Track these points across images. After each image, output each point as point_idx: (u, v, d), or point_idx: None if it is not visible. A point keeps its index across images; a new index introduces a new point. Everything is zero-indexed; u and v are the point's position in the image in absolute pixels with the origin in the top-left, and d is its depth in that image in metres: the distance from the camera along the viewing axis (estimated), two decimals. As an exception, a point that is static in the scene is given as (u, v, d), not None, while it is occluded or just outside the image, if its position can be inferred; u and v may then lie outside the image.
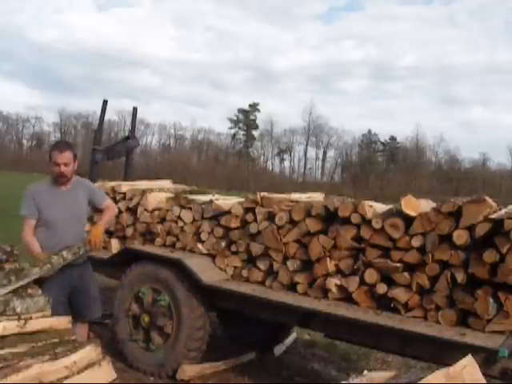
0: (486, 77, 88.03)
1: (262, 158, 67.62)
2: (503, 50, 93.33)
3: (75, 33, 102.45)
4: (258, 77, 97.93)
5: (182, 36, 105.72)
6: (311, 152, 66.09)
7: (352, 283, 3.64)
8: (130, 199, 5.06)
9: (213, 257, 4.40)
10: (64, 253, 3.53)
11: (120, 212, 5.11)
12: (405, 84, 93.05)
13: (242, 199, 4.45)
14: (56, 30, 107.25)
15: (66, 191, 3.81)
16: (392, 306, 3.46)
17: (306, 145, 64.28)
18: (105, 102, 6.51)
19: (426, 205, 3.64)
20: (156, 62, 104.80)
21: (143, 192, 5.03)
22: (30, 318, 2.76)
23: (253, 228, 4.17)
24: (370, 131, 63.68)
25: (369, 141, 64.22)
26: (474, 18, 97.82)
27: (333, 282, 3.71)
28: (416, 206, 3.55)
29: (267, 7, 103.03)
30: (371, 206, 3.70)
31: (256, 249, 4.13)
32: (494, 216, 3.21)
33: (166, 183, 5.88)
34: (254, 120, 65.97)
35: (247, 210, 4.26)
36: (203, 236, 4.46)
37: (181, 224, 4.61)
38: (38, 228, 3.74)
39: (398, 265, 3.46)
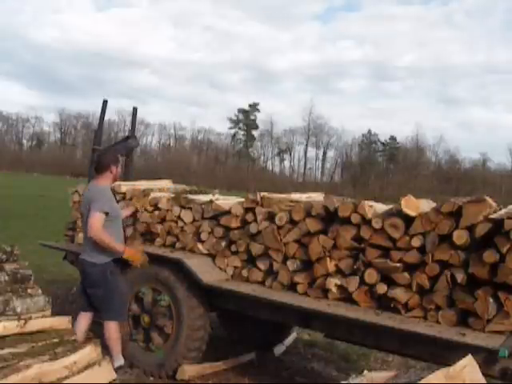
0: (485, 77, 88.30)
1: (262, 158, 67.68)
2: (501, 49, 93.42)
3: (74, 33, 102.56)
4: (257, 77, 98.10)
5: (180, 36, 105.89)
6: (311, 152, 66.18)
7: (352, 283, 3.64)
8: (130, 199, 5.05)
9: (213, 257, 4.40)
10: None
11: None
12: (404, 84, 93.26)
13: (242, 199, 4.45)
14: (55, 31, 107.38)
15: None
16: (392, 306, 3.46)
17: (306, 145, 64.36)
18: (105, 102, 6.51)
19: (426, 205, 3.64)
20: (155, 62, 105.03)
21: (143, 192, 5.03)
22: (30, 318, 2.76)
23: (253, 228, 4.17)
24: (369, 131, 63.78)
25: (369, 141, 64.25)
26: (471, 18, 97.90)
27: (333, 282, 3.71)
28: (416, 206, 3.54)
29: (265, 7, 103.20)
30: (371, 206, 3.70)
31: (256, 249, 4.13)
32: (493, 216, 3.21)
33: (166, 183, 5.87)
34: (254, 120, 66.01)
35: (247, 209, 4.26)
36: (203, 236, 4.46)
37: (181, 224, 4.61)
38: (108, 224, 3.98)
39: (398, 265, 3.45)
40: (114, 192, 5.16)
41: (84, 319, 4.14)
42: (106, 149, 6.62)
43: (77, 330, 3.95)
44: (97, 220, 3.89)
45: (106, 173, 4.11)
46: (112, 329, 4.05)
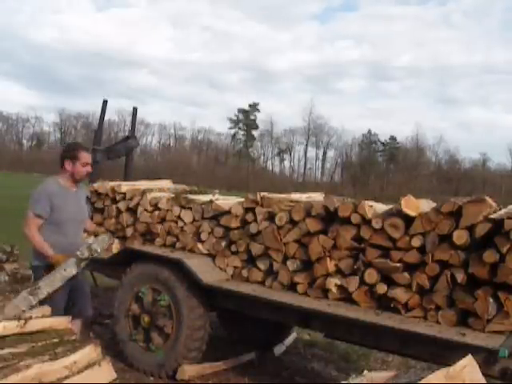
0: (483, 77, 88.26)
1: (262, 157, 67.67)
2: (499, 49, 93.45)
3: (74, 33, 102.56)
4: (256, 77, 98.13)
5: (179, 36, 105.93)
6: (311, 152, 66.18)
7: (352, 283, 3.64)
8: (130, 199, 5.06)
9: (213, 257, 4.40)
10: (94, 245, 3.45)
11: (120, 212, 5.12)
12: (402, 84, 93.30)
13: (242, 199, 4.45)
14: (55, 31, 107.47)
15: (74, 192, 3.86)
16: (392, 306, 3.46)
17: (306, 145, 64.33)
18: (105, 102, 6.52)
19: (426, 205, 3.64)
20: (154, 62, 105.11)
21: (143, 192, 5.03)
22: (30, 318, 2.76)
23: (253, 228, 4.17)
24: (369, 131, 63.76)
25: (369, 141, 64.23)
26: (469, 18, 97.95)
27: (333, 282, 3.71)
28: (416, 206, 3.55)
29: (263, 7, 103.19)
30: (371, 206, 3.70)
31: (256, 249, 4.13)
32: (493, 216, 3.21)
33: (166, 183, 5.88)
34: (254, 120, 65.99)
35: (247, 209, 4.26)
36: (203, 236, 4.46)
37: (181, 224, 4.61)
38: (46, 227, 3.70)
39: (398, 265, 3.45)
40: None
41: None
42: (107, 149, 6.64)
43: None
44: (27, 219, 3.66)
45: (62, 169, 3.80)
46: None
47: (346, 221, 3.71)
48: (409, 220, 3.47)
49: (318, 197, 4.95)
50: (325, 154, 65.13)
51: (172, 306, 4.22)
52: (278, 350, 5.17)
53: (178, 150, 65.24)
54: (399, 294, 3.43)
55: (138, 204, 4.97)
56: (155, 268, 4.34)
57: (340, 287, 3.70)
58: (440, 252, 3.32)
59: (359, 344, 4.11)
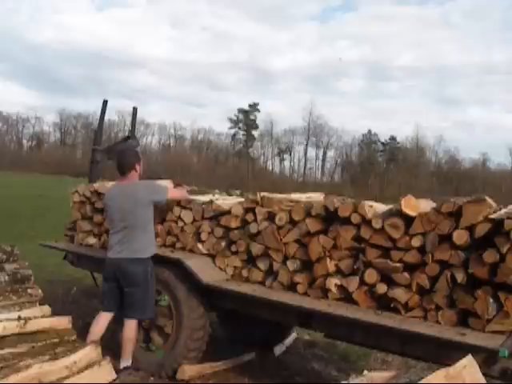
0: (483, 77, 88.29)
1: (262, 157, 67.69)
2: (499, 49, 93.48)
3: (74, 33, 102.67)
4: (255, 77, 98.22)
5: (178, 36, 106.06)
6: (311, 152, 66.23)
7: (352, 283, 3.64)
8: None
9: (213, 257, 4.40)
10: None
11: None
12: (402, 84, 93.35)
13: (242, 199, 4.45)
14: (54, 31, 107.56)
15: None
16: (392, 306, 3.46)
17: (306, 145, 64.38)
18: (105, 102, 6.50)
19: (426, 205, 3.64)
20: (153, 62, 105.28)
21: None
22: (30, 318, 2.76)
23: (253, 228, 4.17)
24: (369, 131, 63.78)
25: (369, 141, 64.23)
26: (469, 18, 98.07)
27: (333, 282, 3.71)
28: (416, 206, 3.54)
29: (263, 7, 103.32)
30: (371, 206, 3.70)
31: (256, 249, 4.13)
32: (493, 216, 3.21)
33: (167, 183, 5.86)
34: (254, 120, 66.01)
35: (247, 209, 4.26)
36: (203, 236, 4.46)
37: (181, 224, 4.61)
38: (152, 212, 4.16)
39: (398, 265, 3.45)
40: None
41: (105, 319, 4.08)
42: (107, 149, 6.63)
43: (94, 330, 3.94)
44: (171, 188, 4.33)
45: (132, 172, 4.10)
46: (134, 328, 4.02)
47: (346, 221, 3.70)
48: (409, 220, 3.46)
49: (318, 197, 4.95)
50: (325, 154, 65.22)
51: (172, 306, 4.22)
52: (278, 349, 5.18)
53: (177, 150, 65.27)
54: (399, 294, 3.43)
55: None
56: (155, 268, 4.34)
57: (340, 287, 3.70)
58: (440, 252, 3.32)
59: (359, 344, 4.10)
